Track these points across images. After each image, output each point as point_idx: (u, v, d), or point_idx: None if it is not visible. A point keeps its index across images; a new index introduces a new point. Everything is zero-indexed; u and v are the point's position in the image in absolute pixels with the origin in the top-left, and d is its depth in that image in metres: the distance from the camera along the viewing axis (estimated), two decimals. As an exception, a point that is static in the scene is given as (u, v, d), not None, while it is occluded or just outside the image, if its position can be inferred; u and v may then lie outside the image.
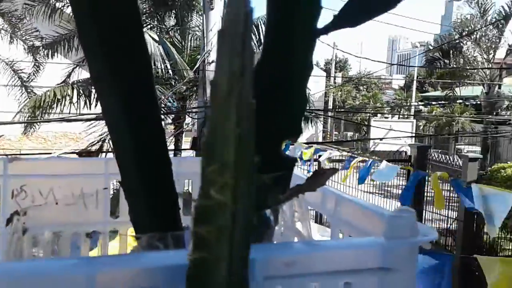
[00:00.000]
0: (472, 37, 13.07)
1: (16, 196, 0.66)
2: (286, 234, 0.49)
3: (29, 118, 9.28)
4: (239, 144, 0.26)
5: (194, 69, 9.33)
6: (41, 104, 8.93)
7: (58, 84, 9.59)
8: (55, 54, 10.33)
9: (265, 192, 0.42)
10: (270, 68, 0.43)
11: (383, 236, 0.36)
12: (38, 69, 10.62)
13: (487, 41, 13.18)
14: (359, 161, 5.63)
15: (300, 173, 0.54)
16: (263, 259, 0.32)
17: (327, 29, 0.35)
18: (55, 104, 8.97)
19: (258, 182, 0.43)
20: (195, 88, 9.22)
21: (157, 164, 0.51)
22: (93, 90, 9.34)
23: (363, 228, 0.43)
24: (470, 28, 13.20)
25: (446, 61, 13.35)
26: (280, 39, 0.37)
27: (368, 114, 17.56)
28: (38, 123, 9.43)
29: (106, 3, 0.43)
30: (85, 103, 9.26)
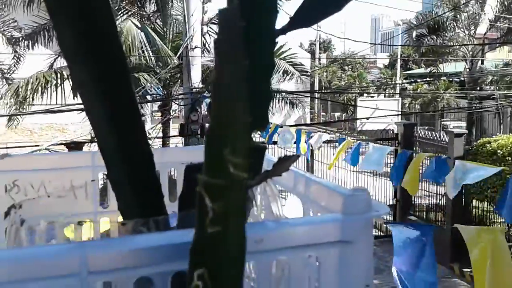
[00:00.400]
0: (453, 13, 13.14)
1: (9, 190, 0.70)
2: (258, 214, 0.54)
3: (13, 110, 9.19)
4: (248, 130, 0.31)
5: (178, 55, 9.28)
6: (25, 92, 8.82)
7: (40, 71, 9.48)
8: (36, 44, 10.18)
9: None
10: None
11: (341, 213, 0.41)
12: (18, 60, 10.47)
13: (468, 17, 13.27)
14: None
15: (271, 156, 0.59)
16: (234, 237, 0.37)
17: (283, 31, 0.39)
18: (39, 92, 8.86)
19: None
20: (179, 75, 9.19)
21: (139, 157, 0.55)
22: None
23: (327, 206, 0.48)
24: (451, 4, 13.27)
25: (432, 37, 13.42)
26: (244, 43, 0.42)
27: (354, 94, 17.66)
28: (21, 116, 9.35)
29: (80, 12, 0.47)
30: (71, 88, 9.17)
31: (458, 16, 13.33)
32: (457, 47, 13.69)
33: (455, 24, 13.42)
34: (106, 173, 0.55)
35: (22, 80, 9.22)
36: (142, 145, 0.55)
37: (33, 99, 8.93)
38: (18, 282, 0.33)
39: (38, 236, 0.40)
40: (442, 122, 16.85)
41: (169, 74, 9.45)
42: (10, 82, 10.48)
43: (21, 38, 10.38)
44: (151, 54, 9.06)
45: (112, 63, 0.52)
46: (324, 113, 23.20)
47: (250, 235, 0.38)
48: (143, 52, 9.22)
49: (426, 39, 14.09)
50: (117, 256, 0.35)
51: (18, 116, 9.43)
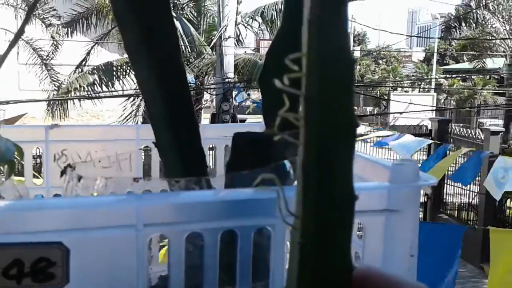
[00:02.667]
0: (492, 7, 12.72)
1: (57, 159, 0.73)
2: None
3: (52, 96, 9.48)
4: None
5: (211, 44, 9.33)
6: (68, 90, 9.14)
7: (76, 69, 9.72)
8: (74, 32, 10.42)
9: (284, 147, 0.47)
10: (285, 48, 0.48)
11: (389, 181, 0.41)
12: (56, 47, 10.73)
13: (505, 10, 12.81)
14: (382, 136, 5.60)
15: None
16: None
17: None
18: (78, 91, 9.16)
19: (279, 138, 0.48)
20: (211, 65, 9.24)
21: (186, 125, 0.57)
22: (115, 74, 9.47)
23: (372, 180, 0.48)
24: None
25: (465, 28, 13.00)
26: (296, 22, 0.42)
27: (388, 88, 17.38)
28: (59, 102, 9.60)
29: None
30: (107, 86, 9.41)
31: (498, 9, 12.91)
32: (498, 42, 13.26)
33: (496, 18, 13.00)
34: (153, 141, 0.57)
35: (62, 81, 9.49)
36: (189, 114, 0.56)
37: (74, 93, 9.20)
38: (77, 230, 0.35)
39: (95, 192, 0.42)
40: (478, 120, 16.40)
41: (202, 64, 9.52)
42: (49, 68, 10.76)
43: (60, 26, 10.63)
44: (186, 43, 9.13)
45: (164, 32, 0.54)
46: (355, 107, 22.91)
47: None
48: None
49: (464, 33, 13.69)
50: (171, 209, 0.36)
51: (63, 104, 9.69)
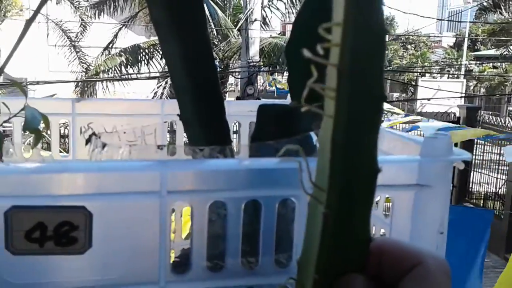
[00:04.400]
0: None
1: (84, 132, 0.74)
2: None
3: (80, 78, 9.63)
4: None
5: (237, 27, 9.30)
6: (96, 72, 9.29)
7: (104, 51, 9.84)
8: (102, 14, 10.52)
9: (310, 119, 0.46)
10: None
11: (420, 155, 0.40)
12: (84, 28, 10.86)
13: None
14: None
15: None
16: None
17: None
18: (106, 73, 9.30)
19: (305, 110, 0.47)
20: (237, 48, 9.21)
21: (211, 98, 0.56)
22: (140, 56, 9.55)
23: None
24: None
25: (498, 11, 12.58)
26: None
27: (416, 74, 17.04)
28: (90, 85, 9.75)
29: None
30: (133, 69, 9.52)
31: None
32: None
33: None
34: (178, 114, 0.56)
35: (91, 62, 9.63)
36: (214, 87, 0.56)
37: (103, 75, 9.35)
38: (101, 195, 0.35)
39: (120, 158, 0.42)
40: (509, 108, 15.97)
41: (227, 48, 9.50)
42: (78, 50, 10.91)
43: (88, 8, 10.74)
44: (212, 26, 9.12)
45: (189, 3, 0.53)
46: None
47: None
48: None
49: (492, 17, 13.26)
50: (196, 177, 0.36)
51: (86, 84, 9.85)
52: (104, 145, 0.42)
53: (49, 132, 0.67)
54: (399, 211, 0.41)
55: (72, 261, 0.35)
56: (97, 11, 10.44)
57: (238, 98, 8.05)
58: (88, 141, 0.45)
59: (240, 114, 0.79)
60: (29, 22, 0.67)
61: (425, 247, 0.37)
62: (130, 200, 0.35)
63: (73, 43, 10.65)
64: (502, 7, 12.68)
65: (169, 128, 0.82)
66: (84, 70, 10.30)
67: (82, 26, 10.74)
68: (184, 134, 0.71)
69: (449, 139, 0.40)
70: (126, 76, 9.24)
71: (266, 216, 0.38)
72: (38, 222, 0.34)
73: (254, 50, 8.05)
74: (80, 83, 9.87)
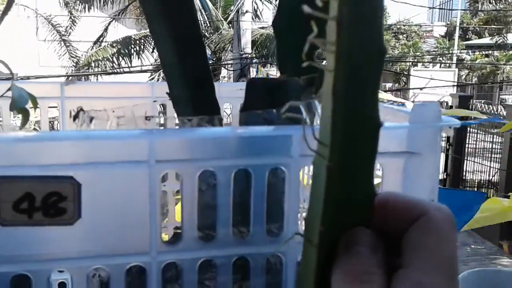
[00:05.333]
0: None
1: (73, 116, 0.73)
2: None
3: (71, 72, 9.55)
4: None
5: (228, 19, 9.26)
6: (88, 63, 9.21)
7: (94, 45, 9.77)
8: (92, 8, 10.42)
9: (298, 90, 0.46)
10: None
11: (409, 122, 0.40)
12: (74, 23, 10.77)
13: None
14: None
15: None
16: (300, 136, 0.37)
17: None
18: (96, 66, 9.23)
19: (293, 82, 0.47)
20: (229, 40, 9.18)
21: (199, 77, 0.56)
22: (132, 48, 9.49)
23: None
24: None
25: (491, 1, 12.62)
26: None
27: (408, 64, 17.06)
28: (81, 79, 9.68)
29: None
30: (125, 61, 9.45)
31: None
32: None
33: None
34: (167, 92, 0.56)
35: (80, 56, 9.53)
36: (202, 65, 0.55)
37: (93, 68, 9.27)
38: (89, 165, 0.35)
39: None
40: (501, 96, 16.05)
41: (219, 40, 9.46)
42: (68, 45, 10.81)
43: (77, 2, 10.63)
44: (205, 18, 9.07)
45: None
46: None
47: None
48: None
49: (485, 6, 13.30)
50: (185, 145, 0.36)
51: (77, 78, 9.78)
52: (91, 119, 0.41)
53: (38, 117, 0.66)
54: (389, 179, 0.41)
55: (61, 232, 0.35)
56: (86, 5, 10.35)
57: (230, 90, 7.99)
58: (76, 116, 0.45)
59: (230, 95, 0.79)
60: (4, 13, 0.66)
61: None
62: (118, 170, 0.35)
63: (62, 38, 10.56)
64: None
65: (162, 109, 0.81)
66: (75, 64, 10.22)
67: (71, 20, 10.65)
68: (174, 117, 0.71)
69: (437, 106, 0.40)
70: (118, 69, 9.18)
71: (256, 185, 0.38)
72: (26, 193, 0.34)
73: (246, 42, 8.03)
74: (70, 77, 9.79)
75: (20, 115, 0.54)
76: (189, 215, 0.38)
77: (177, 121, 0.50)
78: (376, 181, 0.39)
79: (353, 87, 0.26)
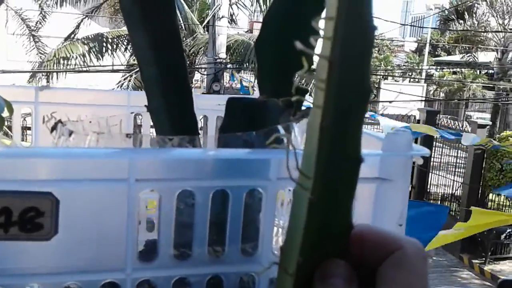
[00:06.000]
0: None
1: (47, 122, 0.72)
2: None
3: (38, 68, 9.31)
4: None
5: (204, 24, 9.23)
6: (55, 62, 8.98)
7: (65, 41, 9.58)
8: (64, 3, 10.21)
9: (278, 112, 0.47)
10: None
11: (381, 150, 0.42)
12: (44, 18, 10.53)
13: (502, 4, 12.85)
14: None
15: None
16: (278, 160, 0.38)
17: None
18: (66, 61, 9.01)
19: (272, 104, 0.48)
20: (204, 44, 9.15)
21: (178, 90, 0.56)
22: (104, 46, 9.33)
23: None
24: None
25: (460, 21, 13.03)
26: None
27: (379, 77, 17.40)
28: (48, 75, 9.46)
29: None
30: (97, 59, 9.28)
31: (493, 3, 12.93)
32: (490, 36, 13.31)
33: (490, 11, 13.03)
34: (145, 104, 0.56)
35: (48, 52, 9.30)
36: (182, 78, 0.56)
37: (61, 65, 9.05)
38: (68, 181, 0.35)
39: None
40: (466, 112, 16.54)
41: (193, 43, 9.42)
42: (37, 40, 10.56)
43: (49, -4, 10.40)
44: (180, 20, 9.01)
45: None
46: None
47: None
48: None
49: (455, 25, 13.72)
50: (165, 165, 0.36)
51: (44, 75, 9.55)
52: (70, 133, 0.41)
53: (10, 122, 0.65)
54: (360, 204, 0.43)
55: (38, 248, 0.35)
56: (59, 1, 10.14)
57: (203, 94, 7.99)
58: (53, 128, 0.45)
59: (207, 108, 0.80)
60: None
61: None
62: (98, 187, 0.35)
63: (32, 32, 10.31)
64: (466, 17, 13.12)
65: (134, 121, 0.81)
66: (42, 60, 9.98)
67: (41, 15, 10.41)
68: (151, 125, 0.71)
69: (409, 135, 0.42)
70: (89, 68, 9.01)
71: (233, 205, 0.39)
72: (3, 207, 0.34)
73: (221, 47, 8.03)
74: (37, 73, 9.56)
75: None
76: (165, 234, 0.38)
77: (154, 135, 0.51)
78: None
79: (340, 124, 0.27)
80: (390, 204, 0.43)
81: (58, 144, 0.43)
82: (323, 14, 0.26)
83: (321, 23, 0.26)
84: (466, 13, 13.11)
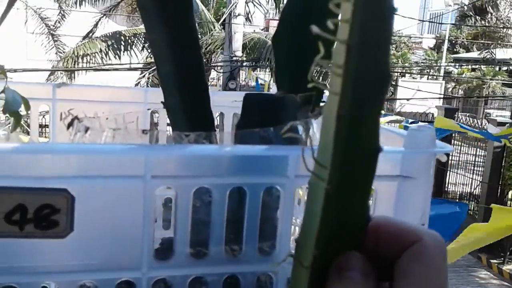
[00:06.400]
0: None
1: (64, 119, 0.72)
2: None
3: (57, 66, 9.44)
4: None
5: (220, 21, 9.25)
6: (74, 59, 9.10)
7: (83, 39, 9.69)
8: (83, 3, 10.33)
9: (296, 109, 0.46)
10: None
11: (404, 147, 0.40)
12: (63, 17, 10.65)
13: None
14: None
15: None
16: (296, 157, 0.37)
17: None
18: (84, 58, 9.13)
19: (290, 99, 0.47)
20: (220, 42, 9.17)
21: (195, 87, 0.55)
22: (122, 43, 9.41)
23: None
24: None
25: (478, 18, 12.82)
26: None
27: (396, 74, 17.23)
28: (68, 74, 9.58)
29: None
30: (115, 56, 9.37)
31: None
32: (510, 32, 13.07)
33: (510, 7, 12.79)
34: (162, 101, 0.56)
35: (68, 50, 9.42)
36: (199, 75, 0.55)
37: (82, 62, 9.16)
38: (84, 178, 0.34)
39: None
40: (485, 110, 16.28)
41: (210, 41, 9.45)
42: (56, 39, 10.70)
43: (69, -4, 10.52)
44: (196, 18, 9.04)
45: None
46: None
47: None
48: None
49: (474, 21, 13.50)
50: (181, 162, 0.35)
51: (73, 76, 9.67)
52: (87, 129, 0.41)
53: (28, 119, 0.65)
54: (381, 202, 0.42)
55: (53, 245, 0.35)
56: (78, 0, 10.25)
57: (219, 92, 8.00)
58: (70, 125, 0.44)
59: (224, 104, 0.79)
60: (7, 10, 0.65)
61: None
62: (113, 184, 0.35)
63: (51, 31, 10.44)
64: (487, 12, 12.91)
65: (151, 118, 0.81)
66: (61, 59, 10.11)
67: (60, 14, 10.53)
68: (167, 123, 0.70)
69: (432, 132, 0.41)
70: (107, 66, 9.11)
71: (250, 203, 0.38)
72: (18, 204, 0.33)
73: (237, 45, 8.03)
74: (56, 72, 9.68)
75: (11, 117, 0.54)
76: (182, 232, 0.37)
77: (170, 132, 0.50)
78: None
79: (357, 111, 0.26)
80: (412, 203, 0.41)
81: (74, 140, 0.42)
82: None
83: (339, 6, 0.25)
84: (487, 7, 12.89)
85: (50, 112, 0.72)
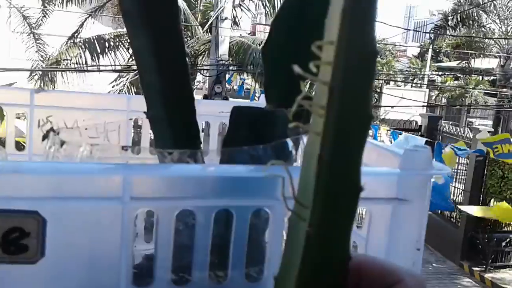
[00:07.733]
0: (489, 6, 12.74)
1: (42, 126, 0.69)
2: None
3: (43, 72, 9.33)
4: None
5: (207, 25, 9.22)
6: (57, 60, 9.01)
7: (68, 40, 9.60)
8: (69, 2, 10.21)
9: (285, 124, 0.44)
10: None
11: (399, 168, 0.38)
12: (45, 15, 10.51)
13: (505, 11, 12.84)
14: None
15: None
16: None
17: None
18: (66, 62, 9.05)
19: (280, 114, 0.45)
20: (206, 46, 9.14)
21: (180, 98, 0.53)
22: (105, 48, 9.32)
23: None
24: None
25: (459, 28, 13.03)
26: None
27: (381, 82, 17.36)
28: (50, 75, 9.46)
29: None
30: (94, 59, 9.29)
31: (495, 9, 12.92)
32: (492, 42, 13.29)
33: (491, 18, 13.02)
34: (145, 111, 0.53)
35: (50, 53, 9.32)
36: (185, 86, 0.53)
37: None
38: (56, 199, 0.31)
39: (79, 160, 0.38)
40: (468, 119, 16.50)
41: (196, 44, 9.41)
42: (37, 37, 10.55)
43: (54, -6, 10.39)
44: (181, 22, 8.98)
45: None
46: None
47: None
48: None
49: (456, 31, 13.71)
50: (162, 183, 0.33)
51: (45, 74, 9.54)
52: (62, 143, 0.38)
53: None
54: (376, 225, 0.40)
55: (23, 271, 0.32)
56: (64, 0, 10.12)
57: (205, 96, 7.99)
58: (45, 137, 0.41)
59: (210, 114, 0.76)
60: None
61: (402, 264, 0.36)
62: (89, 206, 0.32)
63: (32, 30, 10.28)
64: (460, 25, 13.12)
65: (134, 127, 0.78)
66: (42, 59, 9.95)
67: (42, 12, 10.38)
68: (150, 132, 0.68)
69: (428, 152, 0.39)
70: (89, 68, 9.00)
71: (238, 227, 0.36)
72: (-17, 228, 0.30)
73: (223, 49, 8.01)
74: (38, 72, 9.54)
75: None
76: (163, 256, 0.35)
77: (151, 140, 0.47)
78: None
79: (339, 153, 0.26)
80: (407, 227, 0.39)
81: (49, 154, 0.39)
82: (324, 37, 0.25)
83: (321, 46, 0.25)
84: (466, 20, 13.10)
85: (27, 119, 0.69)
